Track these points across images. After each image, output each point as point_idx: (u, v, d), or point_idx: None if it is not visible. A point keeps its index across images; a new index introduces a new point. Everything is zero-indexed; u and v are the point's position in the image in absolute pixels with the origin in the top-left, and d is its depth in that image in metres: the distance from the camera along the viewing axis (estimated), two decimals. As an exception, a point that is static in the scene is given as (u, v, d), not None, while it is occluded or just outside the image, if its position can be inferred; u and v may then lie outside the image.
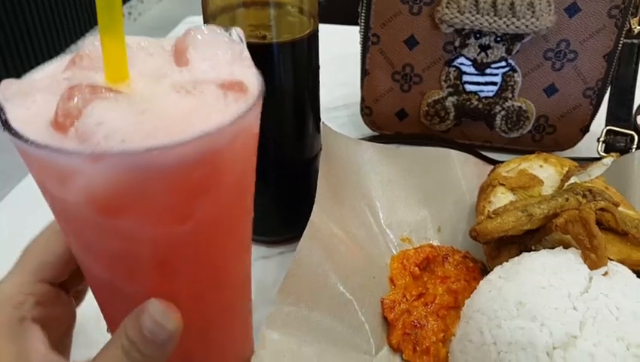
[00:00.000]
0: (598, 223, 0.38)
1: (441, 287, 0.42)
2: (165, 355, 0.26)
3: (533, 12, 0.49)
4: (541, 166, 0.44)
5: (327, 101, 0.51)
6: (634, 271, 0.37)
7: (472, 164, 0.51)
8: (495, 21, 0.49)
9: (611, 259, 0.37)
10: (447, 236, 0.48)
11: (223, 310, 0.30)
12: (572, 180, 0.42)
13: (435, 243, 0.47)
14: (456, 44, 0.53)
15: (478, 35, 0.52)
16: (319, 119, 0.47)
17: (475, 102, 0.56)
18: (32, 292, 0.29)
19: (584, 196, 0.41)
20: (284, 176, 0.47)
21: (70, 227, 0.25)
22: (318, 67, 0.44)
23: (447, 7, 0.50)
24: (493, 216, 0.40)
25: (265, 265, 0.48)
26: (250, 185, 0.27)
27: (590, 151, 0.56)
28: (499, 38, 0.52)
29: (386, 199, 0.49)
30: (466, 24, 0.50)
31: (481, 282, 0.38)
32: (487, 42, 0.52)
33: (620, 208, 0.42)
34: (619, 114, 0.55)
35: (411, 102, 0.57)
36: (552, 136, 0.56)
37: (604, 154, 0.54)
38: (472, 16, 0.50)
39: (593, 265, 0.35)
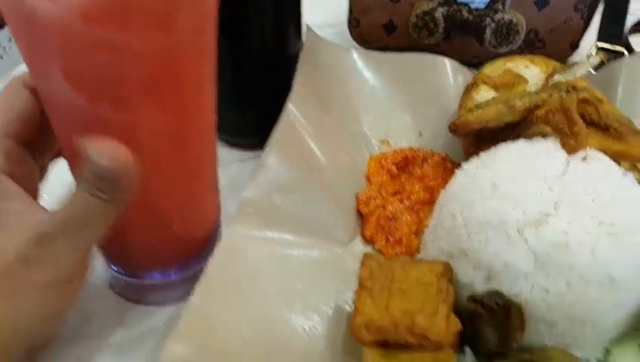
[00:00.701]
0: (581, 116, 0.38)
1: (418, 185, 0.42)
2: (125, 194, 0.26)
3: None
4: (526, 66, 0.43)
5: (312, 21, 0.49)
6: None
7: (462, 73, 0.50)
8: None
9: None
10: (428, 140, 0.47)
11: (189, 165, 0.30)
12: (556, 78, 0.41)
13: (416, 147, 0.46)
14: (448, -52, 0.51)
15: (470, -61, 0.50)
16: (300, 15, 0.46)
17: (466, 14, 0.54)
18: (0, 146, 0.28)
19: (567, 92, 0.39)
20: (261, 73, 0.45)
21: (52, 53, 0.24)
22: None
23: None
24: (474, 109, 0.39)
25: (240, 168, 0.47)
26: (215, 24, 0.28)
27: (580, 69, 0.54)
28: (491, -58, 0.50)
29: (368, 104, 0.48)
30: None
31: (457, 171, 0.38)
32: (479, -54, 0.50)
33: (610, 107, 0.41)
34: (610, 30, 0.53)
35: (400, 13, 0.55)
36: (541, 51, 0.55)
37: (594, 73, 0.53)
38: None
39: (572, 150, 0.35)
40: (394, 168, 0.43)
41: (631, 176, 0.34)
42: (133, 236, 0.32)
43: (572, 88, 0.40)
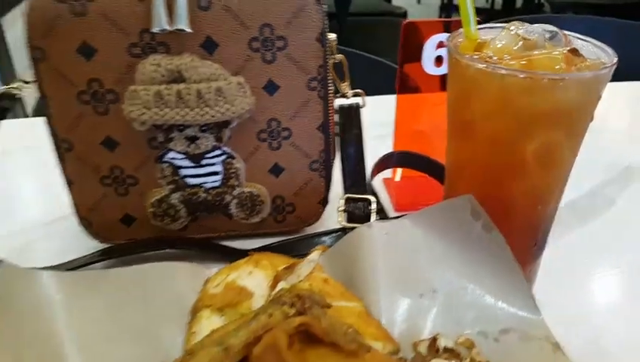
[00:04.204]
0: (311, 335, 0.34)
1: None
2: None
3: (224, 98, 0.44)
4: (250, 273, 0.39)
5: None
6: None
7: (202, 279, 0.44)
8: (187, 113, 0.44)
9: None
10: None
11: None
12: (280, 286, 0.38)
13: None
14: (161, 139, 0.47)
15: (181, 128, 0.46)
16: None
17: (203, 195, 0.50)
18: None
19: (292, 305, 0.36)
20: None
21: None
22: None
23: (130, 105, 0.44)
24: (187, 357, 0.33)
25: None
26: None
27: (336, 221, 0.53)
28: (204, 128, 0.46)
29: (87, 341, 0.40)
30: (156, 120, 0.44)
31: None
32: (192, 133, 0.47)
33: (340, 303, 0.38)
34: (353, 180, 0.53)
35: (133, 205, 0.50)
36: (293, 214, 0.53)
37: (347, 225, 0.51)
38: (161, 110, 0.44)
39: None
40: None
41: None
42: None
43: (297, 298, 0.36)
